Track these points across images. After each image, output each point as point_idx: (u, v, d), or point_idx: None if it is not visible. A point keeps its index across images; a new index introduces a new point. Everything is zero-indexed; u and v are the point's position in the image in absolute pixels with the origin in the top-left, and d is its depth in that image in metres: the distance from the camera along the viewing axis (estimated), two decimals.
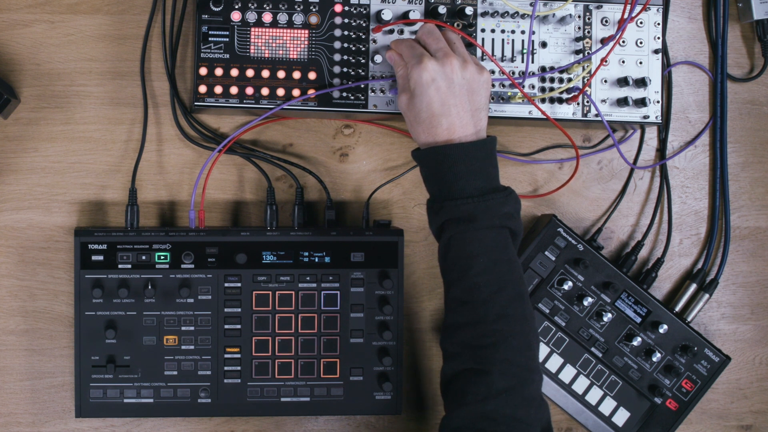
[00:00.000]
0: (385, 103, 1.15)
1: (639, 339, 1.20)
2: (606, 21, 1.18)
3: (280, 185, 1.22)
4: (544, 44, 1.18)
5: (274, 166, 1.21)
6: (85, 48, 1.19)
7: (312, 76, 1.15)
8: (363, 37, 1.15)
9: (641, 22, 1.19)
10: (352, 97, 1.15)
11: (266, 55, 1.14)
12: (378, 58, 1.15)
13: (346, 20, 1.15)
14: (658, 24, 1.19)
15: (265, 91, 1.14)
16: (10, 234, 1.19)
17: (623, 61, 1.18)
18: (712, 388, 1.27)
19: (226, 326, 1.16)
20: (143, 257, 1.14)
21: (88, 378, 1.14)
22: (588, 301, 1.20)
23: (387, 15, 1.13)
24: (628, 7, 1.16)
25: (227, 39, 1.14)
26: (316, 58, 1.15)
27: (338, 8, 1.15)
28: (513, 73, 1.17)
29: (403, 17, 1.15)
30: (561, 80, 1.18)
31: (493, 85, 1.16)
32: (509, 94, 1.17)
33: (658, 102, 1.19)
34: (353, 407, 1.18)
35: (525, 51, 1.17)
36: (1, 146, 1.19)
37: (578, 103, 1.18)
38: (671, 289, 1.29)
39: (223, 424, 1.22)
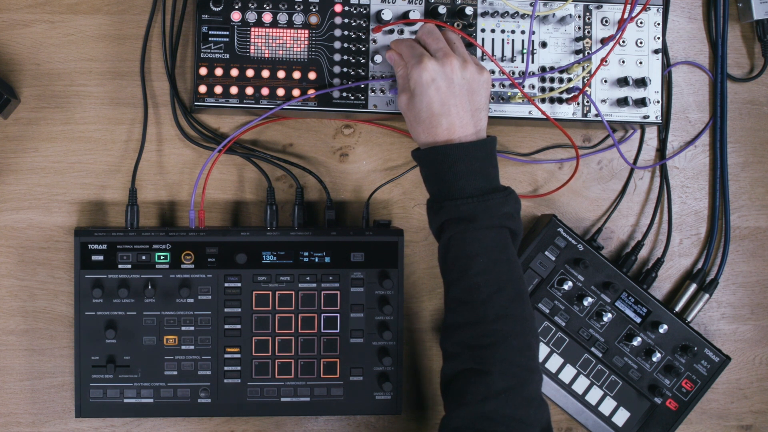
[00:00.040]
0: (385, 103, 1.15)
1: (639, 339, 1.20)
2: (606, 21, 1.18)
3: (280, 185, 1.22)
4: (544, 44, 1.18)
5: (274, 166, 1.21)
6: (85, 48, 1.19)
7: (312, 76, 1.15)
8: (363, 37, 1.15)
9: (641, 22, 1.19)
10: (352, 97, 1.15)
11: (266, 55, 1.14)
12: (378, 58, 1.15)
13: (346, 20, 1.15)
14: (658, 24, 1.19)
15: (265, 91, 1.14)
16: (10, 234, 1.19)
17: (623, 61, 1.18)
18: (712, 388, 1.27)
19: (226, 326, 1.16)
20: (143, 257, 1.14)
21: (88, 378, 1.14)
22: (588, 301, 1.20)
23: (387, 15, 1.13)
24: (628, 7, 1.16)
25: (227, 39, 1.14)
26: (316, 58, 1.15)
27: (338, 8, 1.15)
28: (513, 73, 1.17)
29: (403, 17, 1.15)
30: (561, 80, 1.18)
31: (493, 85, 1.16)
32: (509, 94, 1.17)
33: (658, 102, 1.19)
34: (353, 407, 1.18)
35: (525, 51, 1.17)
36: (1, 146, 1.19)
37: (578, 103, 1.18)
38: (671, 289, 1.29)
39: (223, 424, 1.22)
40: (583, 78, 1.18)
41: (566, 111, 1.18)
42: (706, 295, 1.26)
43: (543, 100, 1.17)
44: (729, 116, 1.29)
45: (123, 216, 1.20)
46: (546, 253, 1.20)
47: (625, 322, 1.21)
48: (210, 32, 1.13)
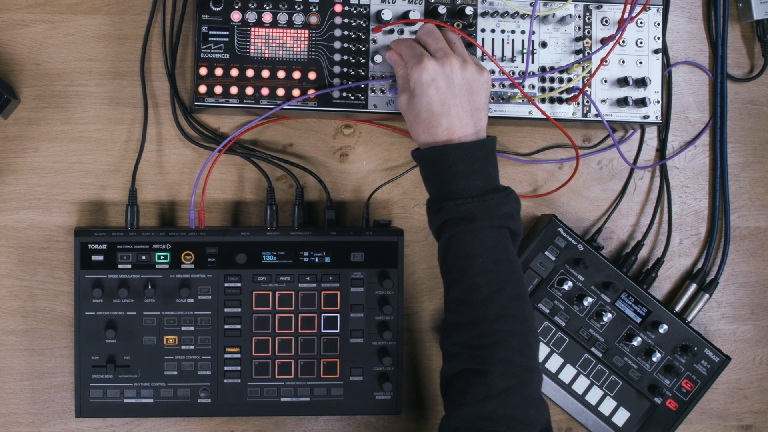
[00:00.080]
0: (385, 103, 1.15)
1: (639, 339, 1.20)
2: (606, 21, 1.18)
3: (280, 185, 1.22)
4: (544, 44, 1.18)
5: (274, 166, 1.21)
6: (85, 48, 1.19)
7: (312, 76, 1.15)
8: (363, 37, 1.15)
9: (641, 22, 1.19)
10: (352, 97, 1.15)
11: (266, 55, 1.14)
12: (378, 58, 1.15)
13: (346, 20, 1.15)
14: (658, 24, 1.19)
15: (265, 91, 1.14)
16: (10, 234, 1.19)
17: (623, 61, 1.18)
18: (712, 388, 1.27)
19: (226, 326, 1.16)
20: (143, 257, 1.14)
21: (88, 378, 1.14)
22: (588, 301, 1.20)
23: (387, 15, 1.13)
24: (628, 7, 1.16)
25: (227, 39, 1.14)
26: (316, 58, 1.15)
27: (338, 8, 1.15)
28: (513, 73, 1.17)
29: (403, 17, 1.15)
30: (561, 80, 1.18)
31: (493, 85, 1.16)
32: (509, 94, 1.17)
33: (658, 102, 1.19)
34: (353, 407, 1.18)
35: (525, 51, 1.17)
36: (1, 146, 1.19)
37: (578, 103, 1.18)
38: (671, 289, 1.29)
39: (223, 424, 1.22)
40: (583, 78, 1.18)
41: (566, 111, 1.18)
42: (706, 295, 1.26)
43: (543, 100, 1.17)
44: (729, 116, 1.29)
45: (123, 216, 1.20)
46: (546, 253, 1.20)
47: (625, 322, 1.21)
48: (210, 32, 1.13)
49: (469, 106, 1.05)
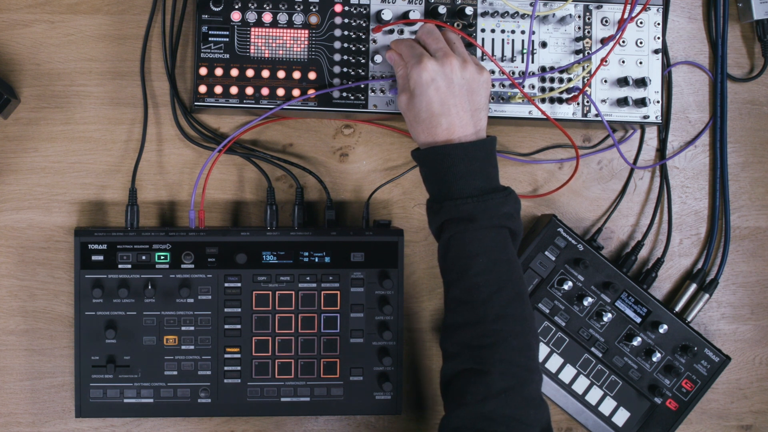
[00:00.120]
0: (385, 103, 1.15)
1: (639, 339, 1.20)
2: (606, 21, 1.18)
3: (280, 185, 1.22)
4: (544, 44, 1.18)
5: (274, 166, 1.21)
6: (85, 48, 1.19)
7: (312, 76, 1.15)
8: (363, 37, 1.15)
9: (641, 22, 1.19)
10: (352, 97, 1.15)
11: (266, 55, 1.14)
12: (378, 58, 1.15)
13: (346, 20, 1.15)
14: (658, 24, 1.19)
15: (265, 91, 1.14)
16: (10, 234, 1.19)
17: (623, 61, 1.18)
18: (712, 388, 1.27)
19: (226, 326, 1.16)
20: (143, 257, 1.14)
21: (88, 378, 1.14)
22: (588, 301, 1.20)
23: (387, 15, 1.13)
24: (628, 7, 1.16)
25: (227, 39, 1.14)
26: (316, 58, 1.15)
27: (338, 8, 1.15)
28: (513, 73, 1.17)
29: (403, 17, 1.15)
30: (561, 80, 1.18)
31: (493, 85, 1.16)
32: (509, 94, 1.17)
33: (658, 102, 1.19)
34: (353, 407, 1.18)
35: (525, 51, 1.17)
36: (1, 146, 1.19)
37: (578, 103, 1.18)
38: (671, 289, 1.29)
39: (223, 424, 1.22)
40: (583, 78, 1.18)
41: (566, 111, 1.18)
42: (706, 295, 1.26)
43: (543, 100, 1.17)
44: (729, 116, 1.29)
45: (123, 216, 1.20)
46: (546, 253, 1.20)
47: (625, 322, 1.21)
48: (210, 32, 1.13)
49: (468, 106, 1.05)
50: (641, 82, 1.18)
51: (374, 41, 1.15)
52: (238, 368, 1.16)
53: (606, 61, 1.18)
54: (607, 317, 1.20)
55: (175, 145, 1.21)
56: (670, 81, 1.28)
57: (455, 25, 1.16)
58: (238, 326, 1.16)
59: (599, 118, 1.18)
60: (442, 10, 1.15)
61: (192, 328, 1.15)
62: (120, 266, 1.14)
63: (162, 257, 1.14)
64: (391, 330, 1.17)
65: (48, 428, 1.20)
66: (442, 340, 1.06)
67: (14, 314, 1.19)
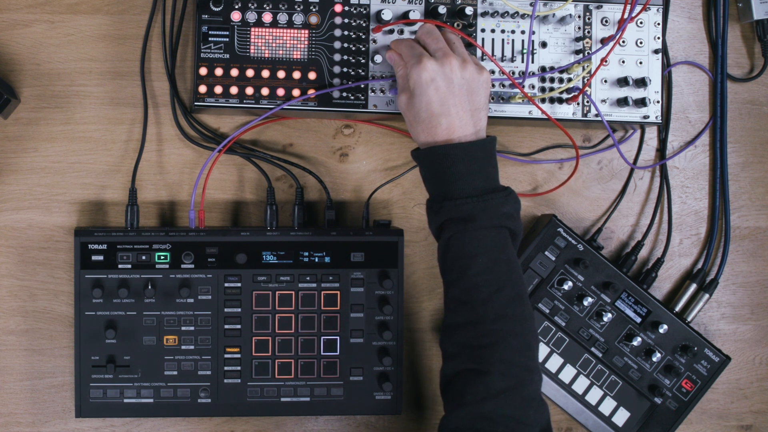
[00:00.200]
0: (385, 103, 1.16)
1: (639, 339, 1.20)
2: (606, 21, 1.18)
3: (280, 185, 1.22)
4: (544, 44, 1.18)
5: (274, 166, 1.21)
6: (85, 48, 1.19)
7: (312, 76, 1.15)
8: (363, 37, 1.15)
9: (641, 22, 1.19)
10: (352, 97, 1.15)
11: (266, 55, 1.14)
12: (378, 58, 1.15)
13: (346, 20, 1.15)
14: (658, 24, 1.19)
15: (265, 91, 1.14)
16: (10, 234, 1.19)
17: (623, 61, 1.18)
18: (712, 388, 1.27)
19: (226, 326, 1.16)
20: (143, 257, 1.14)
21: (88, 378, 1.14)
22: (588, 301, 1.20)
23: (387, 15, 1.13)
24: (628, 7, 1.16)
25: (227, 39, 1.14)
26: (316, 58, 1.15)
27: (338, 8, 1.15)
28: (513, 73, 1.17)
29: (403, 17, 1.15)
30: (561, 80, 1.18)
31: (493, 85, 1.16)
32: (509, 94, 1.17)
33: (658, 102, 1.19)
34: (353, 407, 1.18)
35: (525, 51, 1.17)
36: (1, 146, 1.19)
37: (578, 103, 1.18)
38: (671, 289, 1.29)
39: (223, 424, 1.22)
40: (583, 78, 1.18)
41: (566, 111, 1.18)
42: (706, 295, 1.26)
43: (543, 100, 1.17)
44: (729, 116, 1.29)
45: (123, 216, 1.20)
46: (546, 253, 1.20)
47: (625, 322, 1.21)
48: (210, 32, 1.13)
49: (468, 105, 1.05)
50: (641, 82, 1.18)
51: (374, 41, 1.15)
52: (238, 368, 1.16)
53: (606, 61, 1.18)
54: (607, 317, 1.20)
55: (175, 145, 1.21)
56: (670, 81, 1.28)
57: (455, 25, 1.16)
58: (238, 326, 1.16)
59: (599, 118, 1.18)
60: (442, 10, 1.15)
61: (192, 328, 1.15)
62: (120, 266, 1.14)
63: (162, 257, 1.14)
64: (391, 330, 1.17)
65: (48, 428, 1.20)
66: (442, 340, 1.06)
67: (14, 314, 1.19)
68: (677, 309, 1.26)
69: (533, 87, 1.18)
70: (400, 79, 1.09)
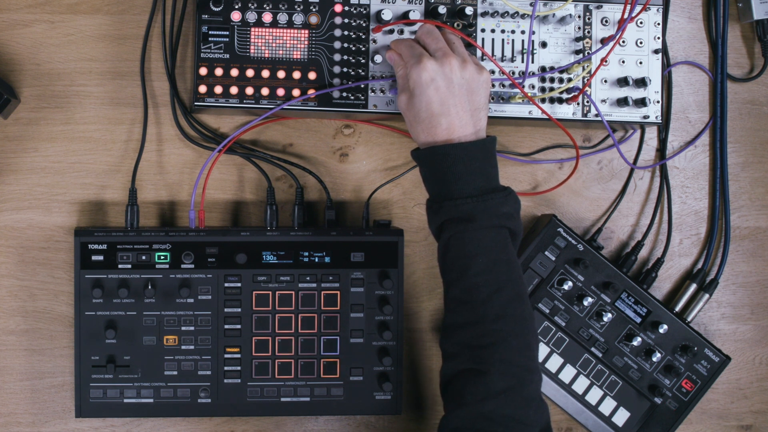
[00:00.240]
0: (385, 103, 1.16)
1: (639, 339, 1.20)
2: (606, 21, 1.18)
3: (280, 185, 1.22)
4: (544, 44, 1.18)
5: (274, 166, 1.21)
6: (85, 48, 1.19)
7: (312, 76, 1.15)
8: (363, 37, 1.15)
9: (641, 22, 1.19)
10: (352, 97, 1.15)
11: (266, 55, 1.14)
12: (378, 58, 1.15)
13: (346, 20, 1.15)
14: (658, 24, 1.19)
15: (265, 91, 1.14)
16: (10, 234, 1.19)
17: (623, 61, 1.18)
18: (712, 388, 1.27)
19: (226, 326, 1.16)
20: (143, 257, 1.14)
21: (88, 378, 1.14)
22: (588, 301, 1.20)
23: (387, 15, 1.13)
24: (628, 7, 1.16)
25: (227, 39, 1.14)
26: (316, 58, 1.15)
27: (338, 8, 1.15)
28: (513, 73, 1.17)
29: (403, 17, 1.15)
30: (561, 80, 1.18)
31: (493, 85, 1.16)
32: (509, 94, 1.17)
33: (658, 102, 1.19)
34: (353, 407, 1.18)
35: (525, 51, 1.17)
36: (1, 146, 1.19)
37: (578, 103, 1.18)
38: (671, 289, 1.29)
39: (223, 424, 1.22)
40: (583, 78, 1.18)
41: (566, 111, 1.18)
42: (706, 295, 1.26)
43: (543, 100, 1.17)
44: (729, 116, 1.29)
45: (123, 216, 1.20)
46: (546, 253, 1.20)
47: (625, 322, 1.21)
48: (210, 32, 1.13)
49: (468, 105, 1.05)
50: (641, 82, 1.18)
51: (374, 41, 1.15)
52: (238, 368, 1.16)
53: (606, 61, 1.18)
54: (607, 317, 1.20)
55: (175, 145, 1.21)
56: (670, 81, 1.28)
57: (455, 25, 1.16)
58: (238, 326, 1.16)
59: (599, 118, 1.18)
60: (442, 10, 1.15)
61: (192, 328, 1.15)
62: (120, 266, 1.14)
63: (162, 257, 1.14)
64: (391, 330, 1.17)
65: (48, 428, 1.20)
66: (442, 340, 1.06)
67: (14, 314, 1.19)
68: (677, 309, 1.26)
69: (533, 87, 1.18)
70: (400, 79, 1.09)
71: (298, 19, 1.14)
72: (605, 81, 1.18)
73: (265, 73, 1.14)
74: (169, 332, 1.15)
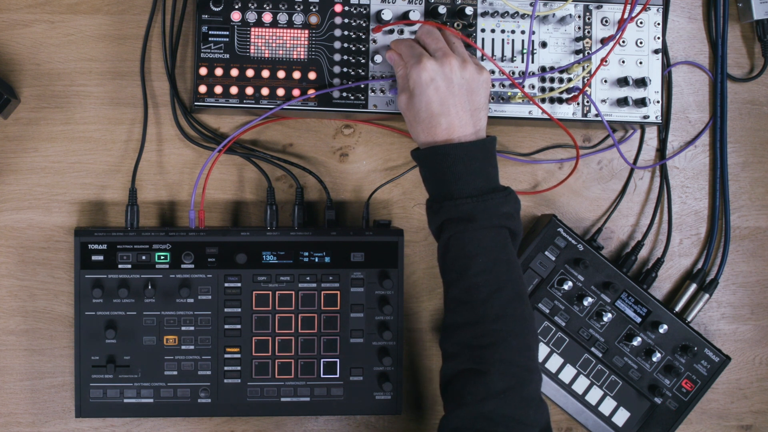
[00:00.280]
0: (385, 103, 1.16)
1: (639, 339, 1.20)
2: (606, 21, 1.18)
3: (280, 185, 1.22)
4: (544, 44, 1.18)
5: (274, 166, 1.21)
6: (85, 48, 1.19)
7: (312, 76, 1.15)
8: (363, 37, 1.15)
9: (641, 22, 1.19)
10: (352, 97, 1.15)
11: (266, 55, 1.14)
12: (378, 58, 1.15)
13: (346, 20, 1.15)
14: (658, 24, 1.19)
15: (265, 91, 1.14)
16: (10, 234, 1.19)
17: (623, 61, 1.18)
18: (712, 388, 1.27)
19: (226, 326, 1.16)
20: (143, 257, 1.14)
21: (88, 378, 1.14)
22: (588, 301, 1.20)
23: (387, 15, 1.13)
24: (628, 7, 1.16)
25: (227, 39, 1.14)
26: (316, 58, 1.15)
27: (338, 8, 1.15)
28: (513, 73, 1.17)
29: (403, 17, 1.15)
30: (561, 80, 1.18)
31: (493, 85, 1.16)
32: (509, 94, 1.17)
33: (658, 102, 1.19)
34: (353, 407, 1.18)
35: (525, 51, 1.17)
36: (1, 146, 1.19)
37: (578, 103, 1.18)
38: (671, 289, 1.29)
39: (223, 424, 1.22)
40: (583, 78, 1.18)
41: (566, 111, 1.18)
42: (706, 295, 1.26)
43: (543, 100, 1.17)
44: (729, 116, 1.29)
45: (123, 216, 1.20)
46: (546, 253, 1.20)
47: (625, 322, 1.21)
48: (210, 32, 1.13)
49: (468, 105, 1.05)
50: (641, 82, 1.18)
51: (374, 41, 1.15)
52: (238, 368, 1.16)
53: (606, 61, 1.18)
54: (607, 317, 1.20)
55: (175, 145, 1.21)
56: (670, 81, 1.28)
57: (455, 25, 1.16)
58: (238, 326, 1.16)
59: (599, 118, 1.18)
60: (442, 10, 1.15)
61: (192, 328, 1.15)
62: (120, 266, 1.14)
63: (162, 257, 1.14)
64: (391, 330, 1.17)
65: (48, 428, 1.20)
66: (442, 340, 1.06)
67: (14, 314, 1.19)
68: (677, 309, 1.26)
69: (533, 87, 1.18)
70: (400, 79, 1.09)
71: (298, 19, 1.14)
72: (605, 81, 1.18)
73: (265, 73, 1.14)
74: (169, 332, 1.15)
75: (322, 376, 1.17)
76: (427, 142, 1.05)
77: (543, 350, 1.21)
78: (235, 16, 1.14)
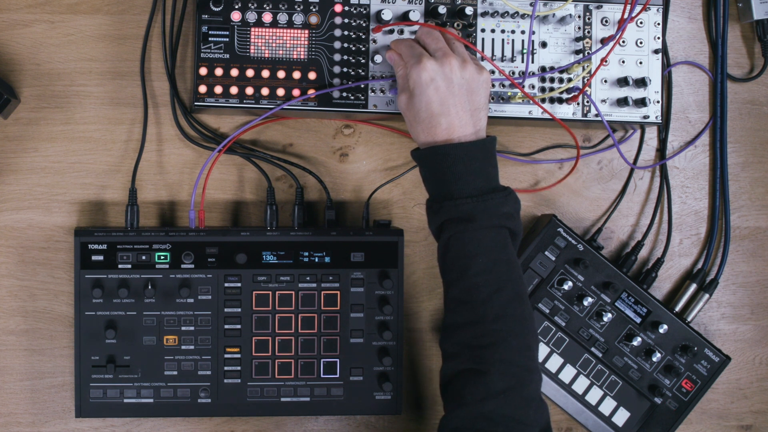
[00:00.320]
0: (385, 103, 1.16)
1: (639, 339, 1.20)
2: (606, 21, 1.18)
3: (280, 185, 1.22)
4: (544, 44, 1.18)
5: (274, 166, 1.21)
6: (85, 48, 1.19)
7: (312, 76, 1.15)
8: (363, 37, 1.15)
9: (641, 22, 1.19)
10: (352, 97, 1.15)
11: (266, 55, 1.14)
12: (378, 58, 1.15)
13: (346, 20, 1.15)
14: (658, 24, 1.19)
15: (265, 91, 1.14)
16: (10, 234, 1.19)
17: (623, 61, 1.18)
18: (712, 388, 1.27)
19: (226, 326, 1.16)
20: (143, 257, 1.14)
21: (88, 378, 1.14)
22: (588, 301, 1.20)
23: (387, 15, 1.13)
24: (628, 7, 1.16)
25: (227, 39, 1.14)
26: (316, 58, 1.15)
27: (338, 8, 1.15)
28: (513, 73, 1.17)
29: (403, 17, 1.15)
30: (561, 80, 1.18)
31: (493, 85, 1.16)
32: (509, 94, 1.17)
33: (658, 102, 1.19)
34: (353, 407, 1.18)
35: (525, 51, 1.17)
36: (1, 146, 1.19)
37: (578, 103, 1.18)
38: (671, 289, 1.29)
39: (223, 424, 1.22)
40: (583, 78, 1.18)
41: (566, 111, 1.18)
42: (706, 295, 1.26)
43: (543, 101, 1.17)
44: (729, 116, 1.29)
45: (123, 216, 1.20)
46: (546, 253, 1.20)
47: (625, 322, 1.21)
48: (210, 32, 1.13)
49: (468, 105, 1.05)
50: (641, 82, 1.18)
51: (374, 41, 1.15)
52: (238, 368, 1.16)
53: (606, 61, 1.18)
54: (607, 317, 1.20)
55: (175, 145, 1.21)
56: (670, 81, 1.28)
57: (455, 25, 1.16)
58: (238, 326, 1.16)
59: (599, 118, 1.18)
60: (442, 10, 1.15)
61: (192, 328, 1.15)
62: (120, 266, 1.14)
63: (162, 257, 1.14)
64: (391, 330, 1.17)
65: (48, 428, 1.20)
66: (442, 340, 1.06)
67: (14, 314, 1.19)
68: (677, 309, 1.26)
69: (533, 87, 1.18)
70: (400, 79, 1.09)
71: (298, 19, 1.14)
72: (605, 81, 1.18)
73: (265, 73, 1.14)
74: (169, 332, 1.15)
75: (322, 376, 1.17)
76: (427, 142, 1.05)
77: (543, 350, 1.21)
78: (235, 16, 1.14)
